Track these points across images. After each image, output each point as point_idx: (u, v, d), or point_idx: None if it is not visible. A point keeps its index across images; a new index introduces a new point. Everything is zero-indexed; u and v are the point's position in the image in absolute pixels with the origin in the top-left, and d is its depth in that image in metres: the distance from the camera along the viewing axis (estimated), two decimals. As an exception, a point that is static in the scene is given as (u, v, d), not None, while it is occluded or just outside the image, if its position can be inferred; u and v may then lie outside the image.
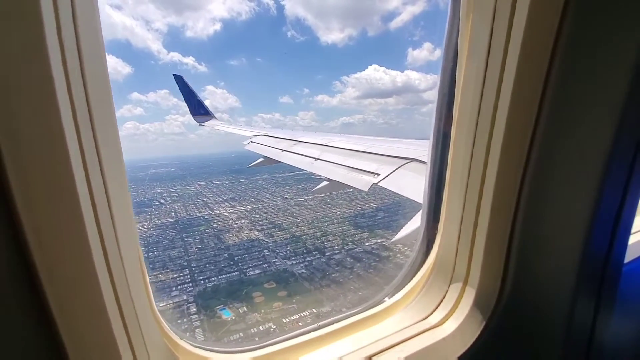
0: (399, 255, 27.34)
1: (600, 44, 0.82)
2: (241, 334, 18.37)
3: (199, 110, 16.16)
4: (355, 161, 4.94)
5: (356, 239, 31.70)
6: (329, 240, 31.73)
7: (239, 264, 27.39)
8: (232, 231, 35.88)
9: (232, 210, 45.58)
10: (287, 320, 19.55)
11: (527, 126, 0.94)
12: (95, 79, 0.67)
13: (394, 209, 39.08)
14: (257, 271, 26.29)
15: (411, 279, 1.35)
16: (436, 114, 1.25)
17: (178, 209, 46.26)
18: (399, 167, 4.00)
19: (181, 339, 1.02)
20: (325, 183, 5.28)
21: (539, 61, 0.87)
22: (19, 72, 0.52)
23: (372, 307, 1.30)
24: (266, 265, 27.11)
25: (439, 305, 1.22)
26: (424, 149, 4.19)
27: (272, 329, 18.80)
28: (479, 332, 1.11)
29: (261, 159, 7.75)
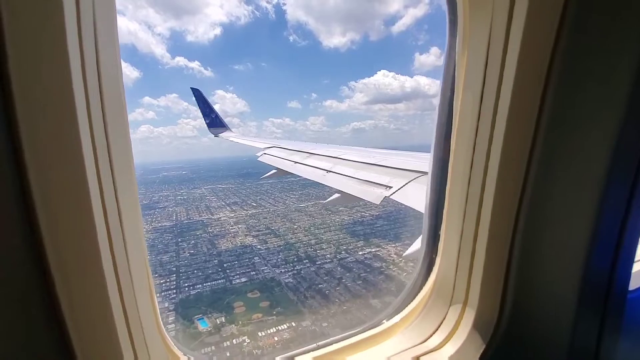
0: (392, 267, 26.07)
1: (595, 66, 0.83)
2: (213, 347, 17.66)
3: (214, 122, 17.02)
4: (367, 174, 4.88)
5: (350, 247, 30.59)
6: (323, 249, 30.76)
7: (227, 271, 26.84)
8: (227, 236, 35.52)
9: (232, 215, 45.43)
10: (263, 334, 18.70)
11: (523, 152, 0.95)
12: (111, 86, 0.71)
13: (394, 217, 37.82)
14: (243, 279, 25.64)
15: (411, 300, 1.34)
16: (435, 140, 1.27)
17: (180, 212, 46.56)
18: (411, 180, 3.94)
19: (184, 354, 1.07)
20: (336, 195, 5.19)
21: (534, 87, 0.89)
22: (40, 78, 0.56)
23: (371, 329, 1.28)
24: (254, 273, 26.43)
25: (438, 328, 1.21)
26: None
27: (245, 343, 17.98)
28: (478, 357, 1.10)
29: (274, 171, 7.88)
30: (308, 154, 7.43)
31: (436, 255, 1.27)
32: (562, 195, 0.94)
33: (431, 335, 1.20)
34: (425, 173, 3.94)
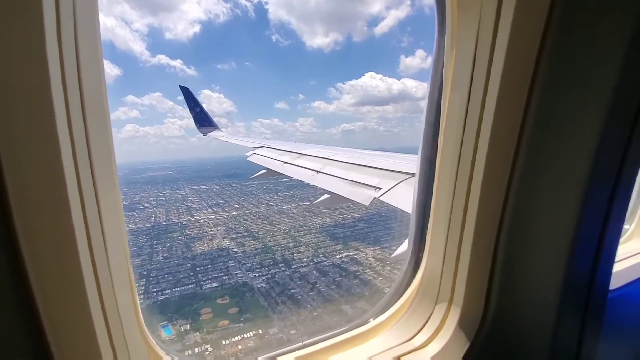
0: (368, 270, 25.71)
1: (580, 67, 0.84)
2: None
3: (203, 121, 16.63)
4: (357, 175, 4.83)
5: (328, 250, 30.14)
6: (300, 252, 30.23)
7: (199, 275, 26.05)
8: (204, 239, 34.66)
9: (213, 217, 44.49)
10: (227, 342, 18.04)
11: (508, 153, 0.96)
12: (92, 84, 0.70)
13: (375, 220, 37.57)
14: (214, 284, 24.90)
15: (397, 299, 1.35)
16: (423, 141, 1.28)
17: (159, 213, 45.35)
18: (401, 182, 3.93)
19: (167, 353, 1.06)
20: (326, 196, 5.10)
21: (520, 88, 0.90)
22: (18, 74, 0.55)
23: (357, 327, 1.28)
24: (227, 277, 25.71)
25: (423, 326, 1.23)
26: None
27: (207, 352, 17.28)
28: (462, 355, 1.12)
29: (263, 171, 7.79)
30: (298, 155, 7.36)
31: (423, 254, 1.29)
32: (545, 196, 0.97)
33: (416, 334, 1.21)
34: (414, 175, 3.91)
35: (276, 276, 25.34)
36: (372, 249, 29.71)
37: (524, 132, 0.92)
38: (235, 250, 31.31)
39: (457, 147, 1.04)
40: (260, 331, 18.83)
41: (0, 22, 0.51)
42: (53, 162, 0.60)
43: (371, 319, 1.32)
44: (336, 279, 24.50)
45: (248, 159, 8.81)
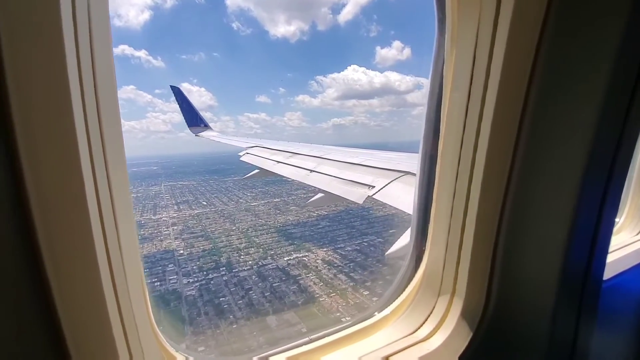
0: (311, 274, 23.58)
1: (576, 67, 0.88)
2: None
3: (194, 121, 16.34)
4: (351, 174, 4.87)
5: (278, 252, 28.04)
6: (249, 254, 28.14)
7: (130, 282, 23.89)
8: (154, 240, 32.66)
9: (175, 215, 42.46)
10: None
11: (508, 148, 0.99)
12: (105, 81, 0.70)
13: (340, 218, 35.42)
14: (141, 291, 22.74)
15: (400, 293, 1.36)
16: (424, 137, 1.31)
17: (122, 212, 43.19)
18: (394, 180, 3.97)
19: (177, 351, 1.06)
20: (320, 195, 5.16)
21: (519, 86, 0.92)
22: (38, 72, 0.56)
23: (362, 321, 1.30)
24: (159, 283, 23.68)
25: (427, 319, 1.24)
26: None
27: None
28: (465, 345, 1.13)
29: (256, 171, 7.76)
30: (292, 154, 7.36)
31: (425, 247, 1.31)
32: (543, 190, 0.99)
33: (420, 326, 1.22)
34: (407, 173, 4.02)
35: (211, 282, 23.27)
36: (324, 250, 27.60)
37: (522, 128, 0.94)
38: (181, 252, 29.26)
39: (458, 142, 1.05)
40: (164, 349, 16.77)
41: (20, 22, 0.53)
42: (71, 163, 0.60)
43: (376, 313, 1.34)
44: (274, 285, 22.40)
45: (241, 159, 8.68)
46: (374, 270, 23.75)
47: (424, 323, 1.21)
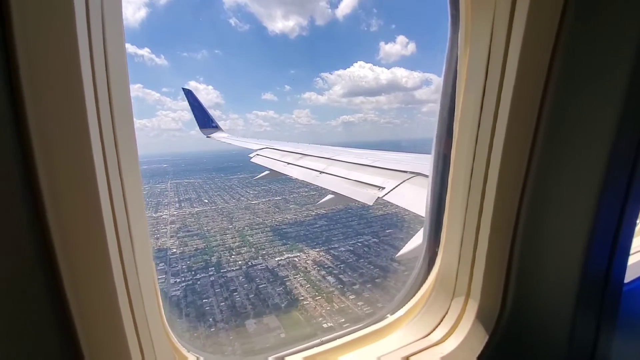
0: (298, 276, 22.81)
1: (595, 64, 0.84)
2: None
3: (206, 123, 16.51)
4: (361, 174, 4.84)
5: (270, 252, 27.38)
6: (240, 253, 27.62)
7: (118, 281, 23.79)
8: (150, 238, 32.52)
9: (175, 213, 42.56)
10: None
11: (524, 147, 0.96)
12: (118, 83, 0.70)
13: (338, 217, 34.50)
14: (127, 291, 22.56)
15: (413, 295, 1.34)
16: (436, 137, 1.28)
17: (125, 210, 43.67)
18: (404, 181, 3.94)
19: (188, 351, 1.06)
20: (330, 196, 5.20)
21: (535, 85, 0.90)
22: (54, 73, 0.57)
23: (375, 323, 1.27)
24: (146, 283, 23.33)
25: (441, 321, 1.21)
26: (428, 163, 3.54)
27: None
28: (480, 350, 1.10)
29: (267, 172, 7.82)
30: (302, 155, 7.31)
31: (438, 249, 1.27)
32: (561, 191, 0.96)
33: (433, 330, 1.20)
34: (418, 174, 3.98)
35: (198, 282, 22.82)
36: (316, 250, 26.76)
37: (539, 129, 0.92)
38: (174, 251, 29.02)
39: (472, 143, 1.03)
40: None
41: (34, 24, 0.53)
42: (85, 165, 0.61)
43: (388, 315, 1.30)
44: (260, 286, 21.73)
45: (252, 160, 8.78)
46: (373, 271, 22.84)
47: (438, 325, 1.20)
